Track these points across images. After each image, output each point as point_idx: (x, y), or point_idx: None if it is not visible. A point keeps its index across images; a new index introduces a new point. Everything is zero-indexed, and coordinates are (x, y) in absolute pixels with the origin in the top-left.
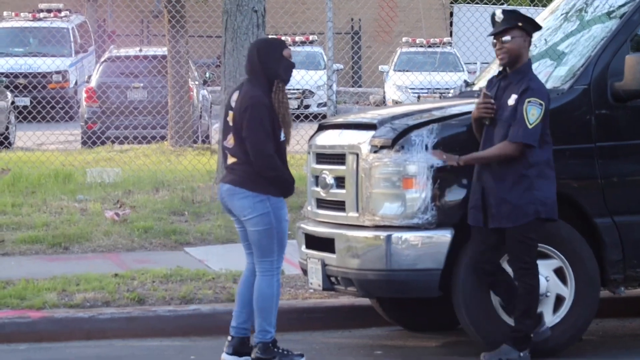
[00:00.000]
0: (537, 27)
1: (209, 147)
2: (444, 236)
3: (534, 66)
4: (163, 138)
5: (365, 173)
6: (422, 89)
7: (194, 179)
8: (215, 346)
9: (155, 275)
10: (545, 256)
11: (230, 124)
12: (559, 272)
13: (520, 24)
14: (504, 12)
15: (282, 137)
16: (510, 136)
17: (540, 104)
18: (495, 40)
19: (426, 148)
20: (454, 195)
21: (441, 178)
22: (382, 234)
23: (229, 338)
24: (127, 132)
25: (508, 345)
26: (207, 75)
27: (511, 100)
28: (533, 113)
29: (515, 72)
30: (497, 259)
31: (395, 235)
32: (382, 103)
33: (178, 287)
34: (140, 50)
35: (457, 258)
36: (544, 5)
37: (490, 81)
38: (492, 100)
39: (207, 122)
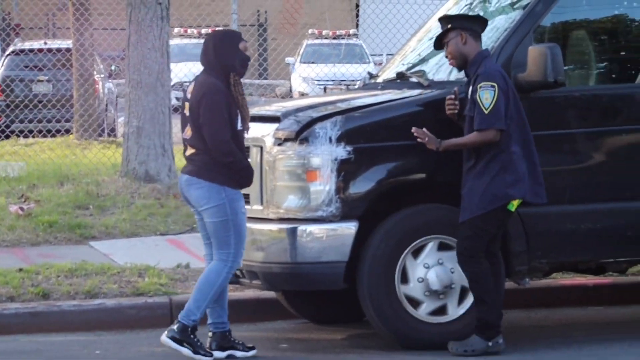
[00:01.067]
0: (477, 21)
1: (115, 140)
2: (349, 228)
3: (438, 58)
4: (68, 131)
5: (270, 166)
6: (327, 80)
7: (99, 172)
8: (121, 340)
9: (60, 269)
10: (450, 248)
11: (188, 114)
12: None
13: (449, 27)
14: (438, 20)
15: (240, 127)
16: (474, 126)
17: (492, 86)
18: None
19: (330, 140)
20: (358, 187)
21: (345, 170)
22: (287, 226)
23: (209, 334)
24: (32, 126)
25: (476, 335)
26: (113, 68)
27: (469, 93)
28: (486, 97)
29: (469, 68)
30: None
31: (300, 228)
32: (288, 95)
33: (83, 282)
34: (45, 43)
35: (362, 250)
36: None
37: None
38: (453, 97)
39: (112, 115)
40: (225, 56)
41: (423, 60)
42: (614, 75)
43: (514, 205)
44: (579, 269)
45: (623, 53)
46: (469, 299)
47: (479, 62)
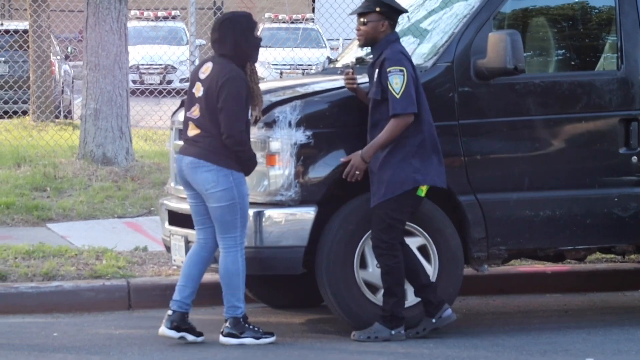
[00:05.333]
0: (398, 11)
1: (71, 122)
2: (308, 213)
3: None
4: (25, 113)
5: None
6: (284, 65)
7: (56, 154)
8: (78, 323)
9: (18, 251)
10: (409, 234)
11: (198, 95)
12: (423, 250)
13: (377, 9)
14: None
15: (250, 116)
16: (389, 113)
17: (401, 70)
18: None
19: (289, 125)
20: (318, 172)
21: (305, 155)
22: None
23: (169, 312)
24: None
25: (379, 324)
26: (69, 49)
27: (375, 76)
28: (396, 82)
29: (374, 49)
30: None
31: (260, 212)
32: None
33: (40, 264)
34: (2, 25)
35: (321, 235)
36: None
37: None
38: (351, 72)
39: (69, 97)
40: (244, 46)
41: None
42: (573, 63)
43: (422, 190)
44: (538, 256)
45: (583, 40)
46: None
47: (382, 45)
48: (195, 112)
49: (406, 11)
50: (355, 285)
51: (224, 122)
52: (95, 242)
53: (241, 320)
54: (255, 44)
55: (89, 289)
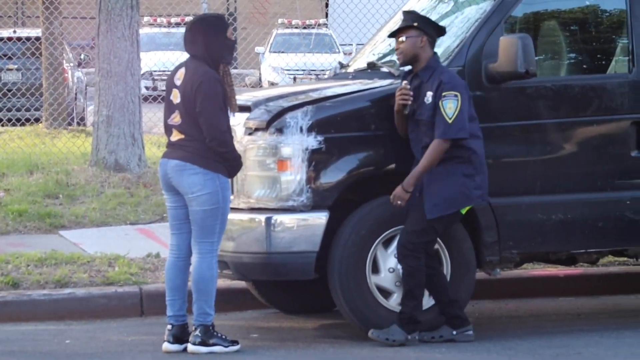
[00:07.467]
0: (438, 29)
1: (84, 129)
2: (319, 218)
3: None
4: (38, 120)
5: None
6: (297, 70)
7: (69, 161)
8: (91, 330)
9: (30, 259)
10: None
11: (176, 101)
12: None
13: (415, 24)
14: (403, 12)
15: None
16: (436, 135)
17: (455, 95)
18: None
19: (301, 130)
20: (329, 177)
21: (316, 160)
22: (258, 216)
23: (169, 327)
24: (1, 115)
25: (397, 326)
26: (82, 56)
27: (428, 98)
28: (450, 107)
29: (423, 70)
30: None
31: (272, 217)
32: (257, 85)
33: (53, 271)
34: (14, 32)
35: (333, 240)
36: None
37: (403, 77)
38: (408, 87)
39: (82, 104)
40: (215, 47)
41: (394, 51)
42: (585, 66)
43: (465, 208)
44: (550, 260)
45: (594, 44)
46: None
47: (434, 67)
48: (176, 118)
49: (444, 31)
50: (368, 290)
51: (205, 125)
52: (107, 249)
53: (210, 327)
54: (227, 45)
55: (102, 295)
